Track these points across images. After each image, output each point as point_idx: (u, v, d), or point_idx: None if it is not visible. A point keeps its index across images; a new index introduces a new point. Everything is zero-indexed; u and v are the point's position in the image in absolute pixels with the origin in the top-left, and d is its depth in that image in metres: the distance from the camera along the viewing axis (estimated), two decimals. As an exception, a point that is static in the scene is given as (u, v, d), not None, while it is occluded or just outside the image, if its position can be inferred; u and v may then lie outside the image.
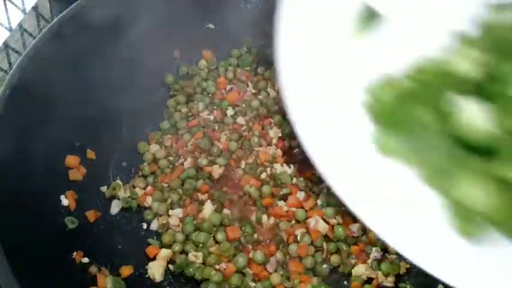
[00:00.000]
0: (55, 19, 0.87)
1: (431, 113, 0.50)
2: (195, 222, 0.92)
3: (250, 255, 0.89)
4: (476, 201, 0.46)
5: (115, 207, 0.92)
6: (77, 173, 0.88)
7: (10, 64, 0.99)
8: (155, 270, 0.87)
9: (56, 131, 0.84)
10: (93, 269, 0.82)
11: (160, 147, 1.00)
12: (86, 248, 0.82)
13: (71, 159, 0.87)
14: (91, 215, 0.87)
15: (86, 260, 0.82)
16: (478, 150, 0.48)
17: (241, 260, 0.88)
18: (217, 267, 0.88)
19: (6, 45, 1.00)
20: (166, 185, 0.96)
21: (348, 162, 0.51)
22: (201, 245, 0.90)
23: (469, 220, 0.46)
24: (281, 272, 0.88)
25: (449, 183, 0.48)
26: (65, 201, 0.84)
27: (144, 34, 0.94)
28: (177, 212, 0.93)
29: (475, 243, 0.46)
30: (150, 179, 0.96)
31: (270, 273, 0.88)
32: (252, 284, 0.87)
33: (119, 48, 0.91)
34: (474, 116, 0.48)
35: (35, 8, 1.04)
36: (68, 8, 0.87)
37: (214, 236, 0.91)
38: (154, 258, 0.88)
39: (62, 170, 0.87)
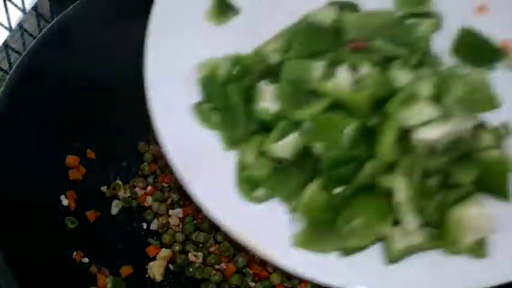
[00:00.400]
0: (55, 19, 0.87)
1: (240, 94, 0.58)
2: (195, 222, 0.92)
3: (250, 255, 0.89)
4: (255, 171, 0.55)
5: (115, 207, 0.92)
6: (77, 173, 0.88)
7: (10, 64, 0.99)
8: (156, 270, 0.87)
9: (56, 131, 0.84)
10: (93, 269, 0.82)
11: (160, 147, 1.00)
12: (86, 248, 0.82)
13: (71, 159, 0.87)
14: (91, 215, 0.87)
15: (86, 260, 0.82)
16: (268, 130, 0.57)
17: (241, 259, 0.88)
18: (217, 267, 0.88)
19: (6, 45, 0.99)
20: (166, 185, 0.96)
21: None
22: (201, 244, 0.90)
23: (251, 188, 0.56)
24: (281, 272, 0.88)
25: (239, 152, 0.58)
26: (65, 201, 0.84)
27: (145, 33, 0.93)
28: (177, 212, 0.93)
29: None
30: (150, 179, 0.96)
31: (270, 273, 0.88)
32: (252, 284, 0.87)
33: (120, 48, 0.91)
34: (267, 99, 0.57)
35: (35, 8, 1.03)
36: (69, 8, 0.87)
37: (214, 236, 0.91)
38: (154, 258, 0.88)
39: (62, 170, 0.87)
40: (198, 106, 0.60)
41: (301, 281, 0.87)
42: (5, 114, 0.78)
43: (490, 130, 0.58)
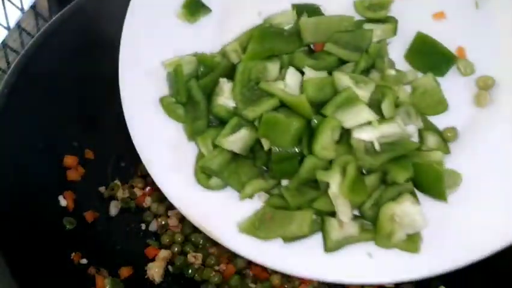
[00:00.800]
0: (53, 18, 0.86)
1: (202, 90, 0.64)
2: (194, 222, 0.92)
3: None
4: (209, 162, 0.60)
5: (113, 208, 0.91)
6: (75, 173, 0.87)
7: (8, 63, 0.98)
8: (155, 271, 0.86)
9: (54, 131, 0.84)
10: (92, 270, 0.81)
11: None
12: (84, 249, 0.82)
13: (69, 159, 0.87)
14: (89, 216, 0.87)
15: (84, 261, 0.81)
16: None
17: (240, 261, 0.87)
18: (216, 268, 0.88)
19: (4, 44, 0.99)
20: (165, 186, 0.96)
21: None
22: (200, 245, 0.90)
23: (207, 176, 0.61)
24: (281, 273, 0.87)
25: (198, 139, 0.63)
26: (63, 202, 0.84)
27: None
28: (176, 213, 0.93)
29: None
30: (149, 179, 0.96)
31: (270, 274, 0.87)
32: (253, 285, 0.86)
33: (119, 48, 0.91)
34: (225, 96, 0.62)
35: (33, 7, 1.03)
36: (67, 7, 0.87)
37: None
38: (153, 259, 0.88)
39: (60, 170, 0.86)
40: (165, 99, 0.66)
41: (301, 282, 0.87)
42: (3, 113, 0.78)
43: (435, 133, 0.61)
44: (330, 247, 0.55)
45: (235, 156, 0.62)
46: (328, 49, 0.63)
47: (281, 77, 0.62)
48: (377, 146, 0.55)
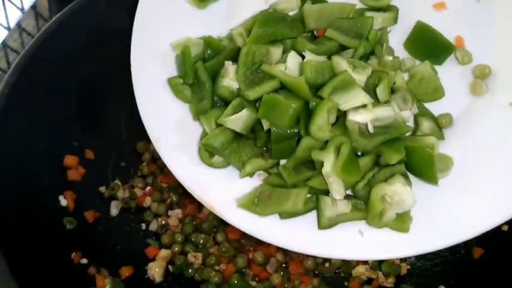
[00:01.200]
0: (54, 18, 0.86)
1: (208, 72, 0.66)
2: (194, 222, 0.92)
3: (250, 256, 0.89)
4: (212, 140, 0.62)
5: (114, 208, 0.91)
6: (75, 173, 0.87)
7: (8, 63, 0.99)
8: (155, 271, 0.86)
9: (55, 131, 0.84)
10: (92, 270, 0.81)
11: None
12: (84, 248, 0.82)
13: (70, 159, 0.87)
14: (90, 216, 0.87)
15: (84, 260, 0.81)
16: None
17: (241, 260, 0.87)
18: (216, 268, 0.88)
19: (4, 44, 0.99)
20: (165, 185, 0.96)
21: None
22: (200, 245, 0.90)
23: (210, 155, 0.64)
24: (281, 273, 0.87)
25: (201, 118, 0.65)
26: (63, 202, 0.84)
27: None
28: (176, 213, 0.93)
29: None
30: (149, 179, 0.96)
31: (270, 274, 0.87)
32: (253, 283, 0.86)
33: (118, 48, 0.91)
34: (230, 78, 0.64)
35: (33, 7, 1.03)
36: (67, 7, 0.86)
37: (213, 237, 0.91)
38: (153, 259, 0.88)
39: (61, 170, 0.86)
40: (172, 80, 0.68)
41: (302, 281, 0.87)
42: (3, 113, 0.78)
43: (430, 119, 0.64)
44: (323, 224, 0.58)
45: (237, 136, 0.64)
46: (329, 35, 0.65)
47: (283, 60, 0.64)
48: (370, 128, 0.57)
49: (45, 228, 0.79)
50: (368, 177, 0.59)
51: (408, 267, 0.88)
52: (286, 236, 0.61)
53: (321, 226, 0.59)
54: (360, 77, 0.60)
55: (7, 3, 0.98)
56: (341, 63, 0.60)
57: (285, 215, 0.61)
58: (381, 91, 0.60)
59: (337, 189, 0.57)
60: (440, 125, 0.64)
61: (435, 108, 0.66)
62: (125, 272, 0.84)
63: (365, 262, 0.89)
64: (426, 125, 0.63)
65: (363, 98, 0.58)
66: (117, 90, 0.93)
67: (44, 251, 0.76)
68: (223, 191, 0.64)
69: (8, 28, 1.00)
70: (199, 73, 0.67)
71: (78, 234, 0.83)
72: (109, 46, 0.90)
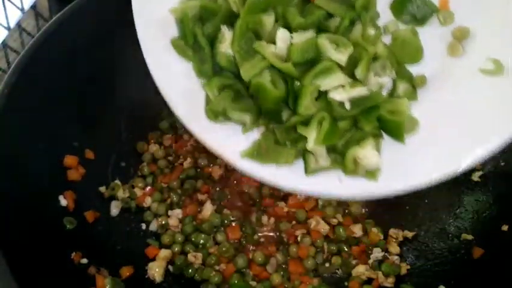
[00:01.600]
0: (54, 18, 0.86)
1: (206, 37, 0.69)
2: (194, 222, 0.92)
3: (250, 255, 0.89)
4: (215, 106, 0.67)
5: (114, 208, 0.91)
6: (75, 173, 0.87)
7: (8, 63, 0.99)
8: (155, 271, 0.86)
9: (55, 131, 0.84)
10: (92, 270, 0.81)
11: (160, 147, 1.00)
12: (85, 248, 0.82)
13: (70, 159, 0.87)
14: (90, 216, 0.87)
15: (85, 260, 0.81)
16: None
17: (241, 260, 0.87)
18: (216, 267, 0.88)
19: (4, 44, 0.99)
20: (165, 185, 0.96)
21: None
22: (200, 245, 0.90)
23: (215, 115, 0.68)
24: (281, 273, 0.87)
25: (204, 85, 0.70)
26: (63, 202, 0.84)
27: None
28: (177, 213, 0.93)
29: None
30: (149, 179, 0.96)
31: (270, 274, 0.87)
32: (253, 283, 0.86)
33: (118, 48, 0.91)
34: (227, 43, 0.68)
35: (33, 7, 1.03)
36: (67, 7, 0.86)
37: (214, 237, 0.91)
38: (153, 259, 0.88)
39: (61, 170, 0.86)
40: (175, 41, 0.71)
41: (302, 281, 0.87)
42: (3, 113, 0.78)
43: (407, 81, 0.68)
44: (309, 172, 0.67)
45: (237, 96, 0.68)
46: (318, 3, 0.68)
47: (274, 31, 0.67)
48: (347, 106, 0.64)
49: (45, 228, 0.79)
50: (346, 138, 0.66)
51: (408, 267, 0.88)
52: (282, 178, 0.68)
53: (307, 173, 0.67)
54: (342, 57, 0.65)
55: (7, 3, 0.98)
56: (325, 45, 0.66)
57: (281, 165, 0.69)
58: (359, 71, 0.64)
59: (319, 155, 0.65)
60: (415, 85, 0.69)
61: (412, 68, 0.69)
62: (125, 272, 0.84)
63: (365, 262, 0.89)
64: (401, 87, 0.68)
65: (341, 80, 0.64)
66: (117, 90, 0.94)
67: (44, 251, 0.76)
68: (230, 143, 0.69)
69: (8, 28, 1.00)
70: (198, 38, 0.70)
71: (78, 234, 0.83)
72: (109, 46, 0.90)
